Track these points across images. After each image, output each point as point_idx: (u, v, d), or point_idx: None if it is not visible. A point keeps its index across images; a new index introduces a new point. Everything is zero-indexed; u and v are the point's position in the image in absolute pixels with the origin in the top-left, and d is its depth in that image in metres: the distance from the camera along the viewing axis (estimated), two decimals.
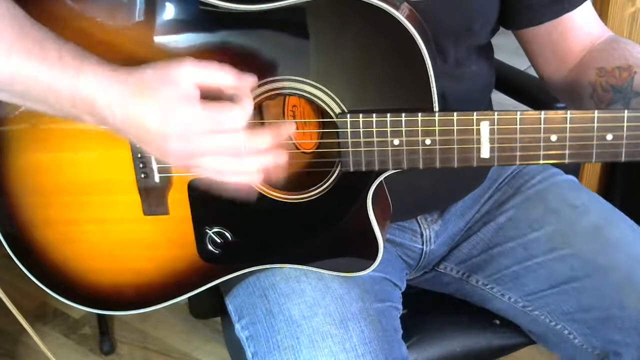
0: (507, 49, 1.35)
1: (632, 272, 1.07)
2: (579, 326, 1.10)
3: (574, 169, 1.35)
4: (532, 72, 1.22)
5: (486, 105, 1.17)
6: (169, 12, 0.91)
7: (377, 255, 0.98)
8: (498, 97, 1.31)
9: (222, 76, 0.85)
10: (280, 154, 0.90)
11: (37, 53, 0.84)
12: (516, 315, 1.17)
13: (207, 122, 0.84)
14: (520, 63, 1.36)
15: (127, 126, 0.85)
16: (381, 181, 0.95)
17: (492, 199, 1.21)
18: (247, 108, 0.85)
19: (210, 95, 0.85)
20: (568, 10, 1.08)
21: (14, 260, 1.05)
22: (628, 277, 1.07)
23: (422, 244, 1.20)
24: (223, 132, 0.85)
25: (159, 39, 0.92)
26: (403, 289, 1.17)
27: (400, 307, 1.13)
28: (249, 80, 0.87)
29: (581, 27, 1.09)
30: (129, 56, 0.90)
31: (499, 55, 1.23)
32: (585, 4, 1.08)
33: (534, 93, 1.34)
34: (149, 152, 0.89)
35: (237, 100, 0.85)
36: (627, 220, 1.14)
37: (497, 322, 1.21)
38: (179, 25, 0.92)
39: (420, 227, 1.19)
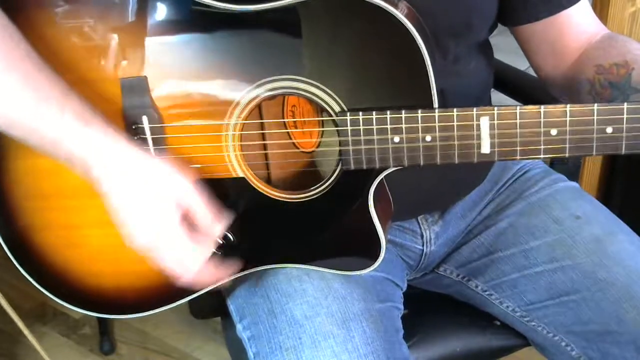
0: (507, 49, 1.35)
1: (631, 287, 1.06)
2: (577, 339, 1.10)
3: (574, 170, 1.35)
4: (532, 72, 1.22)
5: (486, 103, 1.17)
6: (165, 13, 0.92)
7: (379, 254, 0.98)
8: (498, 97, 1.31)
9: (202, 214, 0.90)
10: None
11: (41, 108, 0.86)
12: (514, 323, 1.18)
13: (178, 243, 0.90)
14: (520, 63, 1.36)
15: (109, 199, 0.89)
16: (382, 180, 0.95)
17: (493, 202, 1.21)
18: (205, 253, 0.91)
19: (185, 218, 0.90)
20: (565, 7, 1.08)
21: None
22: (627, 292, 1.06)
23: (423, 245, 1.20)
24: (179, 261, 0.91)
25: (155, 41, 0.92)
26: (404, 289, 1.17)
27: (402, 307, 1.13)
28: (217, 229, 0.92)
29: (578, 24, 1.09)
30: (125, 59, 0.90)
31: (498, 55, 1.23)
32: (582, 1, 1.09)
33: (534, 93, 1.34)
34: (118, 222, 0.91)
35: (199, 242, 0.91)
36: (629, 233, 1.14)
37: (498, 322, 1.21)
38: (176, 27, 0.92)
39: (420, 227, 1.19)
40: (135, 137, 0.95)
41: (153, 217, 0.88)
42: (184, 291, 1.04)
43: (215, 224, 0.91)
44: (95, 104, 0.90)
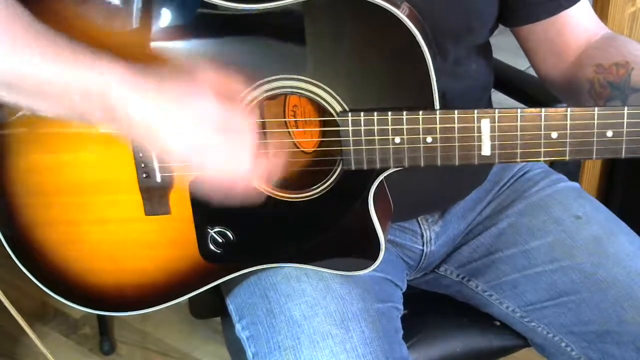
0: (507, 49, 1.35)
1: (631, 287, 1.06)
2: (577, 339, 1.10)
3: (574, 170, 1.35)
4: (532, 72, 1.22)
5: (486, 104, 1.17)
6: (168, 13, 0.92)
7: (378, 255, 0.98)
8: (498, 97, 1.31)
9: (236, 81, 0.88)
10: (278, 161, 0.93)
11: (51, 51, 0.84)
12: (514, 324, 1.18)
13: (219, 119, 0.86)
14: (520, 63, 1.36)
15: (136, 120, 0.85)
16: (382, 181, 0.95)
17: (493, 202, 1.21)
18: (251, 138, 0.88)
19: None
20: (565, 8, 1.08)
21: (14, 260, 1.05)
22: (627, 292, 1.06)
23: (423, 245, 1.20)
24: (232, 132, 0.87)
25: (158, 41, 0.92)
26: (404, 290, 1.17)
27: (401, 307, 1.13)
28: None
29: (578, 24, 1.09)
30: (128, 59, 0.91)
31: (499, 55, 1.23)
32: (582, 1, 1.09)
33: (534, 93, 1.35)
34: (152, 147, 0.89)
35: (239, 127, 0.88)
36: (629, 233, 1.14)
37: (498, 323, 1.21)
38: (179, 27, 0.92)
39: (420, 227, 1.19)
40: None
41: (188, 120, 0.85)
42: (184, 289, 1.04)
43: (247, 121, 0.89)
44: None
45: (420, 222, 1.19)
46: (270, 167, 0.93)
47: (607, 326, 1.07)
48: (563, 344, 1.12)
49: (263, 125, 0.98)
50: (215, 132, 0.86)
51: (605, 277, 1.08)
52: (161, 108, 0.85)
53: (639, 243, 1.12)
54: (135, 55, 0.88)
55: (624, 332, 1.05)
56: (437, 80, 0.87)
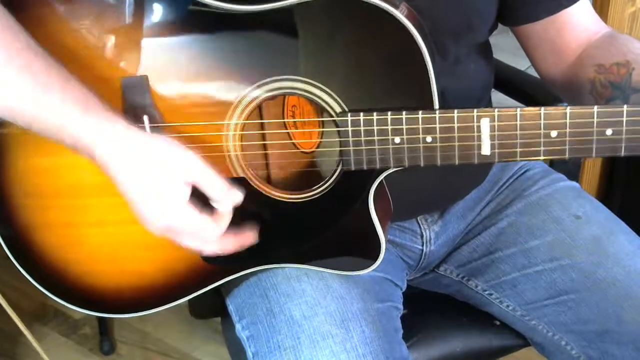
0: (507, 49, 1.35)
1: (631, 287, 1.06)
2: (577, 338, 1.10)
3: (574, 170, 1.35)
4: (532, 72, 1.22)
5: (486, 104, 1.17)
6: (164, 13, 0.92)
7: (378, 254, 0.98)
8: (498, 97, 1.31)
9: (215, 187, 0.89)
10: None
11: (42, 96, 0.86)
12: (514, 323, 1.17)
13: (190, 225, 0.89)
14: (520, 63, 1.36)
15: (118, 183, 0.88)
16: (382, 181, 0.95)
17: (493, 202, 1.21)
18: (222, 226, 0.91)
19: (196, 192, 0.88)
20: (565, 7, 1.08)
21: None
22: (627, 292, 1.06)
23: (422, 245, 1.20)
24: (197, 238, 0.92)
25: (156, 40, 0.92)
26: (404, 289, 1.17)
27: (401, 307, 1.13)
28: (236, 196, 0.91)
29: (578, 23, 1.09)
30: (125, 59, 0.91)
31: (499, 55, 1.23)
32: (582, 0, 1.09)
33: (534, 93, 1.35)
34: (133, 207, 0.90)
35: (217, 217, 0.90)
36: (628, 233, 1.14)
37: (498, 322, 1.21)
38: (176, 28, 0.92)
39: (420, 227, 1.19)
40: None
41: (163, 195, 0.87)
42: (183, 291, 1.04)
43: (229, 191, 0.90)
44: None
45: (420, 222, 1.19)
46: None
47: (607, 325, 1.07)
48: (563, 343, 1.12)
49: (262, 126, 0.98)
50: (181, 233, 0.90)
51: (604, 276, 1.08)
52: (137, 192, 0.88)
53: (638, 243, 1.12)
54: (123, 58, 0.89)
55: (623, 332, 1.05)
56: (436, 80, 0.87)
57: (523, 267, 1.14)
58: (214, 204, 0.90)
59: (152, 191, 0.87)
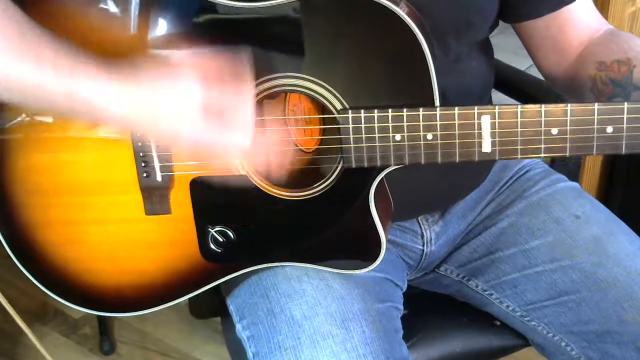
0: (507, 49, 1.35)
1: (631, 287, 1.06)
2: (577, 339, 1.10)
3: (574, 170, 1.35)
4: (533, 72, 1.22)
5: (486, 102, 1.17)
6: (167, 10, 0.91)
7: (379, 253, 0.98)
8: (498, 97, 1.31)
9: (224, 62, 0.86)
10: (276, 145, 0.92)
11: (33, 56, 0.83)
12: (514, 323, 1.17)
13: (215, 102, 0.85)
14: (521, 63, 1.36)
15: (125, 121, 0.86)
16: (383, 179, 0.95)
17: (493, 202, 1.21)
18: (249, 104, 0.87)
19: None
20: (567, 4, 1.08)
21: (13, 260, 1.04)
22: (627, 292, 1.06)
23: (423, 245, 1.20)
24: (226, 110, 0.86)
25: (156, 39, 0.92)
26: (404, 289, 1.17)
27: (401, 307, 1.13)
28: (246, 70, 0.88)
29: (580, 20, 1.09)
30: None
31: (499, 55, 1.23)
32: None
33: (535, 93, 1.34)
34: (152, 138, 0.88)
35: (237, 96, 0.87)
36: (629, 233, 1.14)
37: (498, 322, 1.21)
38: (177, 24, 0.92)
39: (421, 227, 1.19)
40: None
41: (181, 106, 0.84)
42: (184, 289, 1.04)
43: (240, 87, 0.87)
44: None
45: (421, 222, 1.19)
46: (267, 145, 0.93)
47: (607, 326, 1.06)
48: (563, 344, 1.12)
49: (263, 124, 0.98)
50: (205, 114, 0.85)
51: (605, 276, 1.08)
52: (143, 104, 0.84)
53: (638, 243, 1.12)
54: (123, 52, 0.88)
55: (624, 332, 1.05)
56: (437, 77, 0.87)
57: (523, 267, 1.14)
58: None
59: (168, 105, 0.84)
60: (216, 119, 0.85)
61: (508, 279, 1.15)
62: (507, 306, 1.16)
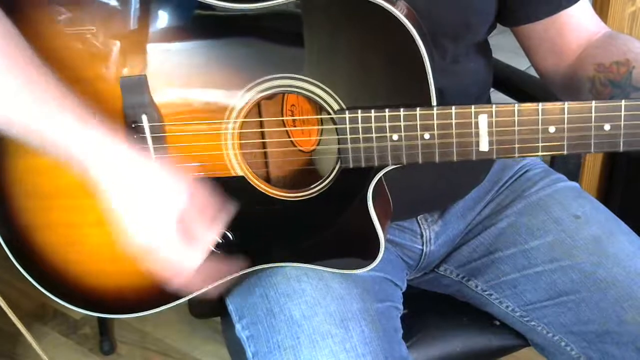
0: (507, 49, 1.35)
1: (631, 287, 1.06)
2: (577, 339, 1.10)
3: (574, 169, 1.35)
4: (532, 72, 1.22)
5: (485, 102, 1.17)
6: (166, 12, 0.92)
7: (378, 253, 0.98)
8: (498, 97, 1.31)
9: (199, 217, 0.90)
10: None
11: (40, 109, 0.86)
12: (514, 323, 1.17)
13: (171, 244, 0.89)
14: (520, 63, 1.36)
15: (108, 197, 0.89)
16: (381, 180, 0.95)
17: (493, 202, 1.21)
18: (200, 256, 0.91)
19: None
20: (565, 7, 1.08)
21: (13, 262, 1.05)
22: (627, 292, 1.06)
23: (422, 245, 1.20)
24: (175, 261, 0.91)
25: (154, 41, 0.92)
26: (404, 289, 1.17)
27: (401, 307, 1.13)
28: (215, 230, 0.92)
29: (578, 23, 1.09)
30: (124, 59, 0.91)
31: (499, 55, 1.23)
32: (582, 0, 1.09)
33: (534, 93, 1.34)
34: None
35: (196, 244, 0.91)
36: (629, 233, 1.13)
37: (497, 322, 1.21)
38: (176, 26, 0.92)
39: (420, 227, 1.19)
40: (135, 136, 0.95)
41: (149, 218, 0.88)
42: (183, 291, 1.04)
43: (211, 227, 0.91)
44: (95, 103, 0.90)
45: (420, 221, 1.19)
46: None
47: (607, 326, 1.06)
48: (563, 344, 1.11)
49: (261, 124, 0.98)
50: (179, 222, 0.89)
51: (605, 276, 1.08)
52: (131, 197, 0.88)
53: (638, 243, 1.12)
54: (125, 56, 0.90)
55: (623, 332, 1.05)
56: (433, 78, 0.87)
57: (523, 267, 1.14)
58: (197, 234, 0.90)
59: (140, 210, 0.88)
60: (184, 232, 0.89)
61: (507, 279, 1.15)
62: (507, 306, 1.16)
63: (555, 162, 1.32)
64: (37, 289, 1.06)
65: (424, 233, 1.19)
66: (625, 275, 1.07)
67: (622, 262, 1.08)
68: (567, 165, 1.32)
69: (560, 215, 1.15)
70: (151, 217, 0.88)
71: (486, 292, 1.18)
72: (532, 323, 1.14)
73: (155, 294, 1.05)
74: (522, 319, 1.15)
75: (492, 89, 1.23)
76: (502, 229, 1.18)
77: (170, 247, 0.89)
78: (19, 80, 0.86)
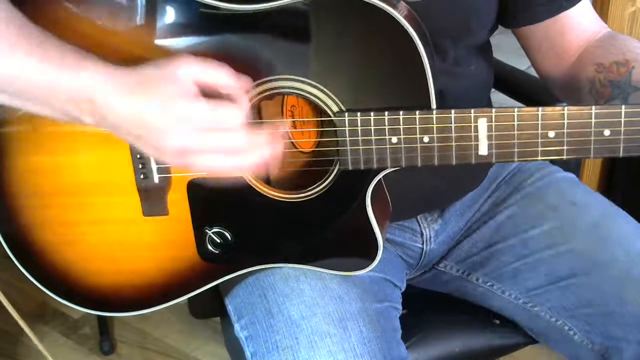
0: (507, 49, 1.35)
1: (631, 268, 1.07)
2: (579, 322, 1.11)
3: (574, 168, 1.35)
4: (533, 72, 1.22)
5: (485, 104, 1.17)
6: (169, 13, 0.92)
7: (376, 255, 0.98)
8: (498, 97, 1.31)
9: (220, 75, 0.85)
10: (276, 148, 0.89)
11: (38, 53, 0.84)
12: (517, 312, 1.17)
13: (206, 118, 0.84)
14: (520, 63, 1.36)
15: (125, 123, 0.85)
16: (380, 181, 0.95)
17: (491, 198, 1.21)
18: (244, 107, 0.86)
19: (208, 94, 0.85)
20: (566, 8, 1.08)
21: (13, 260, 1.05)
22: (627, 273, 1.07)
23: (422, 244, 1.20)
24: (221, 130, 0.85)
25: (158, 40, 0.92)
26: (403, 289, 1.17)
27: (400, 307, 1.13)
28: (246, 81, 0.87)
29: (579, 24, 1.09)
30: (128, 57, 0.90)
31: (499, 55, 1.23)
32: (582, 1, 1.09)
33: (535, 93, 1.34)
34: (147, 150, 0.88)
35: (235, 100, 0.85)
36: (626, 216, 1.14)
37: (497, 321, 1.21)
38: (179, 26, 0.92)
39: (420, 226, 1.19)
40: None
41: (174, 111, 0.83)
42: (182, 289, 1.04)
43: (239, 77, 0.87)
44: None
45: (420, 220, 1.19)
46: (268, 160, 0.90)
47: (609, 307, 1.07)
48: (566, 328, 1.12)
49: (261, 126, 0.98)
50: (203, 132, 0.84)
51: (605, 258, 1.09)
52: (147, 112, 0.84)
53: (635, 224, 1.13)
54: (127, 56, 0.89)
55: (625, 313, 1.06)
56: (433, 80, 0.87)
57: (523, 256, 1.14)
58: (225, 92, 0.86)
59: (164, 110, 0.84)
60: (214, 136, 0.85)
61: (508, 269, 1.16)
62: (510, 295, 1.16)
63: (555, 161, 1.32)
64: (37, 288, 1.06)
65: (424, 232, 1.19)
66: (625, 256, 1.08)
67: (621, 243, 1.09)
68: (567, 163, 1.32)
69: (557, 202, 1.15)
70: (177, 109, 0.83)
71: (488, 284, 1.18)
72: (536, 309, 1.14)
73: (154, 293, 1.05)
74: (525, 306, 1.15)
75: (492, 89, 1.23)
76: (501, 222, 1.18)
77: (209, 120, 0.84)
78: (16, 29, 0.84)
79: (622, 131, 0.85)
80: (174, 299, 1.05)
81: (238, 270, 1.02)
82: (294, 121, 0.99)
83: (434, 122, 0.88)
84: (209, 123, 0.84)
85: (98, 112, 0.85)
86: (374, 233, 0.96)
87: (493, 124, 0.87)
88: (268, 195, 0.96)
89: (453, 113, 0.87)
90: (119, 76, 0.84)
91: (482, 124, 0.87)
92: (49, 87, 0.84)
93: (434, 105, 0.88)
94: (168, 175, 0.98)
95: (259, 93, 0.92)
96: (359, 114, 0.89)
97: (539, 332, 1.17)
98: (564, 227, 1.13)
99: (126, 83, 0.84)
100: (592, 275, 1.09)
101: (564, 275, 1.11)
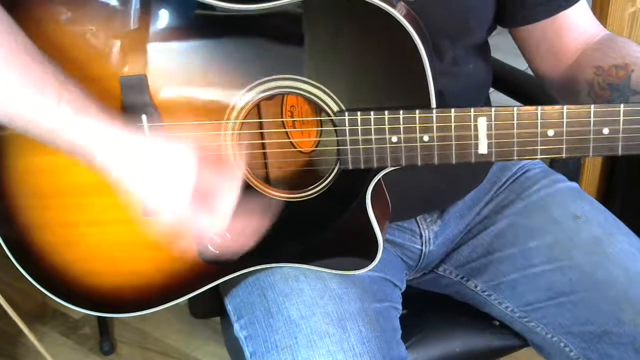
0: (506, 49, 1.35)
1: (629, 288, 1.06)
2: (575, 340, 1.10)
3: (574, 170, 1.35)
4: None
5: (484, 103, 1.17)
6: (167, 12, 0.92)
7: (376, 254, 0.98)
8: (498, 97, 1.31)
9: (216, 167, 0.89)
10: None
11: (38, 100, 0.85)
12: (513, 324, 1.17)
13: (200, 198, 0.87)
14: (520, 63, 1.36)
15: (123, 179, 0.88)
16: (380, 181, 0.95)
17: (492, 202, 1.21)
18: (234, 193, 0.89)
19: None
20: (564, 8, 1.08)
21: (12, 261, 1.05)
22: (625, 293, 1.06)
23: (422, 245, 1.20)
24: (211, 212, 0.89)
25: (155, 41, 0.92)
26: (403, 289, 1.17)
27: (400, 307, 1.13)
28: (240, 166, 0.92)
29: (577, 25, 1.09)
30: (124, 58, 0.91)
31: (498, 55, 1.23)
32: (580, 2, 1.09)
33: (534, 93, 1.34)
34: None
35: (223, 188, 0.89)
36: (628, 234, 1.14)
37: (497, 322, 1.21)
38: (177, 26, 0.92)
39: (419, 227, 1.19)
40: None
41: (169, 185, 0.86)
42: (182, 289, 1.04)
43: (229, 183, 0.89)
44: (94, 98, 0.90)
45: (419, 221, 1.19)
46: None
47: (606, 327, 1.06)
48: (562, 344, 1.11)
49: (261, 125, 0.98)
50: (191, 199, 0.87)
51: (604, 277, 1.08)
52: (141, 177, 0.87)
53: (637, 244, 1.12)
54: (127, 56, 0.89)
55: (622, 333, 1.05)
56: (433, 79, 0.87)
57: (522, 267, 1.14)
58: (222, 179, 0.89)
59: (158, 182, 0.86)
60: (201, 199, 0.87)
61: (507, 280, 1.15)
62: (506, 307, 1.16)
63: (555, 163, 1.32)
64: (37, 289, 1.06)
65: (423, 233, 1.19)
66: (624, 276, 1.07)
67: (621, 263, 1.08)
68: (566, 165, 1.32)
69: (560, 215, 1.15)
70: (170, 182, 0.87)
71: (485, 293, 1.18)
72: (532, 324, 1.14)
73: (153, 293, 1.05)
74: (521, 320, 1.15)
75: (491, 89, 1.23)
76: (502, 229, 1.18)
77: (195, 214, 0.88)
78: (14, 70, 0.84)
79: (621, 129, 0.85)
80: (173, 299, 1.05)
81: (238, 271, 1.02)
82: (293, 121, 0.99)
83: (434, 121, 0.88)
84: (207, 201, 0.87)
85: (95, 165, 0.88)
86: (374, 232, 0.96)
87: (493, 122, 0.87)
88: (268, 195, 0.96)
89: (453, 112, 0.88)
90: (116, 139, 0.87)
91: (482, 122, 0.87)
92: (47, 134, 0.87)
93: (434, 104, 0.88)
94: None
95: (259, 93, 0.92)
96: (359, 113, 0.89)
97: (535, 344, 1.17)
98: (564, 241, 1.12)
99: (124, 150, 0.87)
100: (591, 294, 1.08)
101: (562, 292, 1.10)
